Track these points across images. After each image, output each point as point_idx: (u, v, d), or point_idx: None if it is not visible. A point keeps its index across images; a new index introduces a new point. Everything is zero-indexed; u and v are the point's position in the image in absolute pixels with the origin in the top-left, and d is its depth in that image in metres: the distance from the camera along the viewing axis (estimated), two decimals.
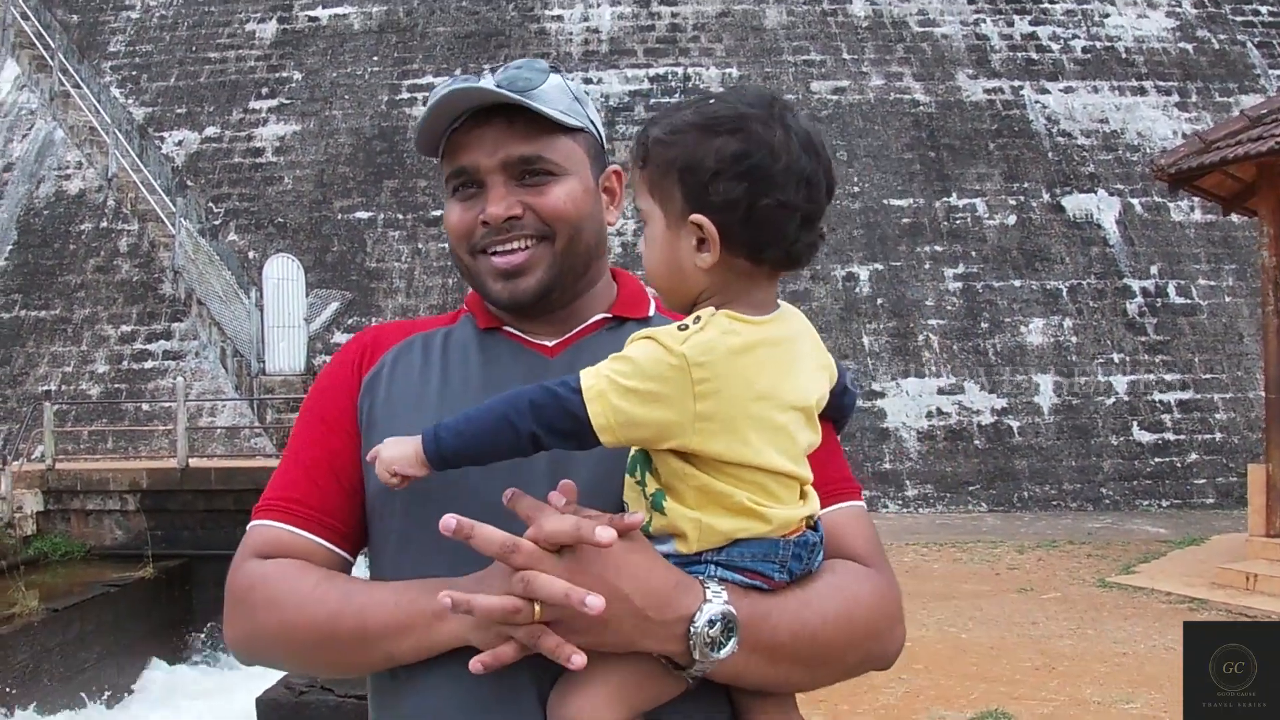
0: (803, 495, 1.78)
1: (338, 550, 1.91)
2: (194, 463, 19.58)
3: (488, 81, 1.90)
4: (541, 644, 1.61)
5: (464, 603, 1.61)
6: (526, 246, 1.91)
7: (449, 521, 1.61)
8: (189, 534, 19.29)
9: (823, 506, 1.85)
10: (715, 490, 1.69)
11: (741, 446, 1.67)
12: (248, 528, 1.93)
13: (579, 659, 1.59)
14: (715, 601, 1.66)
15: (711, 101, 1.74)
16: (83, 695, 15.62)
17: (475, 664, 1.64)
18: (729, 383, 1.65)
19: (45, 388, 22.37)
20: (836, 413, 1.96)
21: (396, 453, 1.72)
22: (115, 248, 24.43)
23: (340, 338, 22.39)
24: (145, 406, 22.30)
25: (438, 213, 23.52)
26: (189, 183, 25.14)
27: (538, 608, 1.60)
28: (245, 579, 1.86)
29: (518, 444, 1.68)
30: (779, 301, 1.79)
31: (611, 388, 1.64)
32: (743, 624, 1.67)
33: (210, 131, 25.89)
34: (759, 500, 1.70)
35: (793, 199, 1.68)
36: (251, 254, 23.76)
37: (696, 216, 1.69)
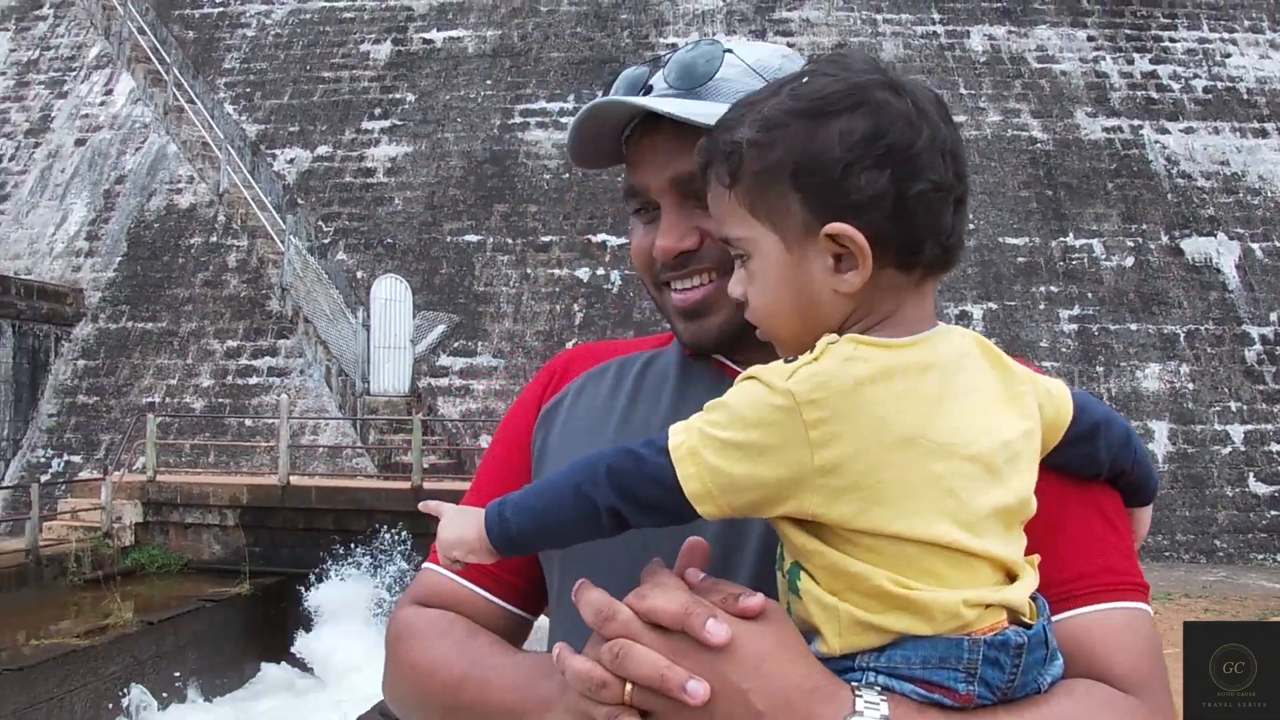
0: (1012, 578, 1.34)
1: (504, 604, 1.70)
2: (295, 480, 19.74)
3: (658, 78, 1.62)
4: None
5: (560, 660, 1.34)
6: (708, 281, 1.59)
7: (587, 596, 1.34)
8: (287, 551, 19.41)
9: (1075, 606, 1.43)
10: (848, 573, 1.28)
11: (879, 509, 1.26)
12: (421, 566, 1.74)
13: None
14: (868, 715, 1.25)
15: (806, 80, 1.36)
16: (172, 710, 15.73)
17: None
18: (856, 424, 1.25)
19: (149, 399, 22.67)
20: (1086, 467, 1.51)
21: (457, 534, 1.41)
22: (224, 263, 24.67)
23: (446, 360, 22.42)
24: (248, 422, 22.47)
25: (547, 238, 23.58)
26: (299, 200, 25.35)
27: (629, 688, 1.27)
28: (397, 627, 1.69)
29: (597, 522, 1.33)
30: (935, 319, 1.40)
31: (705, 443, 1.28)
32: None
33: (322, 150, 26.12)
34: (907, 583, 1.27)
35: (945, 178, 1.32)
36: (360, 273, 23.89)
37: (835, 226, 1.30)
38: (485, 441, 21.33)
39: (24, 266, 26.00)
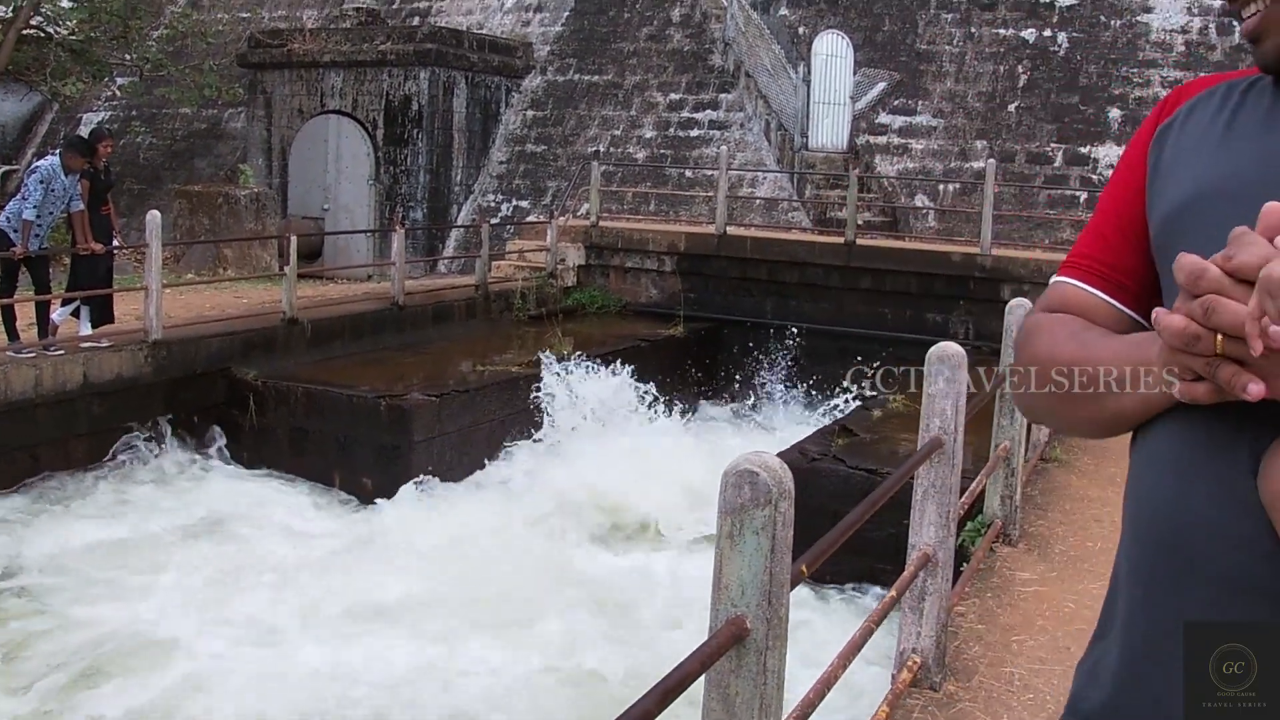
0: None
1: (1124, 308, 1.75)
2: (731, 230, 20.06)
3: None
4: (1219, 375, 1.35)
5: (1157, 320, 1.39)
6: (1263, 8, 1.57)
7: (1181, 260, 1.38)
8: (720, 299, 19.93)
9: None
10: None
11: None
12: (1051, 280, 1.86)
13: (1255, 388, 1.31)
14: None
15: None
16: (608, 434, 16.48)
17: (1178, 389, 1.43)
18: None
19: (594, 149, 23.40)
20: None
21: None
22: (668, 17, 25.07)
23: (885, 118, 22.24)
24: (688, 173, 22.95)
25: None
26: None
27: (1219, 339, 1.33)
28: (1025, 328, 1.81)
29: None
30: None
31: None
32: None
33: None
34: None
35: None
36: (801, 29, 23.83)
37: None
38: (921, 201, 21.20)
39: (476, 22, 27.13)
